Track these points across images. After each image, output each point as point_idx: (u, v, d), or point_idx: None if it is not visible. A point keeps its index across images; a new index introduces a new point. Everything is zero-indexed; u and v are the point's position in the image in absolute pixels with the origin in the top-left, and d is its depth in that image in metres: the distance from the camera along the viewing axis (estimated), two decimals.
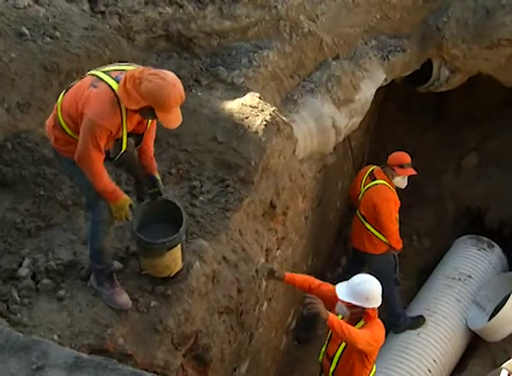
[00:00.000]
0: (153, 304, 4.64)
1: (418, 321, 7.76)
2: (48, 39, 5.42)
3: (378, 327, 5.26)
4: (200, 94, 6.29)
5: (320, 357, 5.67)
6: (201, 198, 5.52)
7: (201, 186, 5.62)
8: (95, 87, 3.93)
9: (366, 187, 7.60)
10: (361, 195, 7.64)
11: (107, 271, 4.55)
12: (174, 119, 3.97)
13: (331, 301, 5.27)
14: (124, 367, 3.22)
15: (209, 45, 6.75)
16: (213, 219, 5.38)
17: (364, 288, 5.22)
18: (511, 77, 9.23)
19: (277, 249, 6.28)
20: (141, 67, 4.01)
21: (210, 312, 5.08)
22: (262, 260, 5.82)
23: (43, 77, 5.26)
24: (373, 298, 5.23)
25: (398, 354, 7.43)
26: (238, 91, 6.37)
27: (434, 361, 7.43)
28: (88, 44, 5.54)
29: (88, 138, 3.91)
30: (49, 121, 4.24)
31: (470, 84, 9.76)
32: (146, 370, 3.85)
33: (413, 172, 7.56)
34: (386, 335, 7.82)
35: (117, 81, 3.93)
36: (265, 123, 5.97)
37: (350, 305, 5.18)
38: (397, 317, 7.79)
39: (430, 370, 7.32)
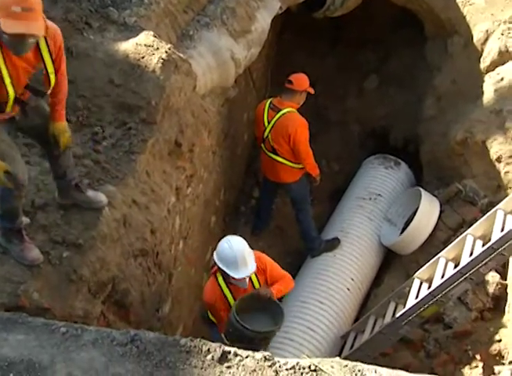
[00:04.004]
0: (65, 255, 4.57)
1: (333, 243, 7.91)
2: None
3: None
4: (92, 37, 6.08)
5: None
6: (104, 143, 5.42)
7: (103, 131, 5.50)
8: None
9: (274, 121, 7.51)
10: (267, 131, 7.55)
11: (16, 228, 4.45)
12: (16, 25, 3.67)
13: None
14: (35, 320, 3.19)
15: None
16: (118, 164, 5.30)
17: (246, 250, 5.38)
18: None
19: (187, 187, 6.26)
20: None
21: (126, 256, 5.05)
22: (173, 199, 5.82)
23: None
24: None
25: (316, 277, 7.57)
26: (131, 31, 6.18)
27: (352, 279, 7.63)
28: None
29: None
30: None
31: (364, 7, 9.84)
32: (66, 321, 3.83)
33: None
34: (304, 261, 8.12)
35: None
36: (161, 61, 5.85)
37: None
38: (312, 241, 7.95)
39: (349, 289, 7.52)
